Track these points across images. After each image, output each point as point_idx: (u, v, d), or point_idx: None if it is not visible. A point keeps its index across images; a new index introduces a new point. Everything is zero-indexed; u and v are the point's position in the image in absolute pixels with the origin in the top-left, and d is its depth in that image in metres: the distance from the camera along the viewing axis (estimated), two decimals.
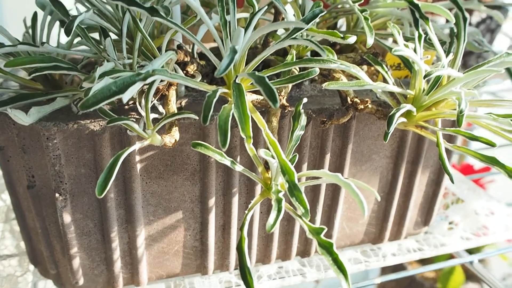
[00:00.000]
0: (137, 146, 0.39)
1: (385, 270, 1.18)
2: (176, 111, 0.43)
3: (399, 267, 1.10)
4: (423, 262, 1.09)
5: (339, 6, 0.53)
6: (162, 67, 0.37)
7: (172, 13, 0.48)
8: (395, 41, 0.51)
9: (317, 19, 0.39)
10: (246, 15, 0.52)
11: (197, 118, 0.40)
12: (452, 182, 0.42)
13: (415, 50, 0.45)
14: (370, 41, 0.44)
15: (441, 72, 0.41)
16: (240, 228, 0.37)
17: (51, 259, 0.49)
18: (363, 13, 0.46)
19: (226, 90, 0.38)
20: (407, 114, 0.45)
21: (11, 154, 0.46)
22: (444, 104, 0.46)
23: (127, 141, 0.43)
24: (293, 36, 0.39)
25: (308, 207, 0.35)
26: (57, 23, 0.47)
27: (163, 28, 0.50)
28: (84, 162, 0.44)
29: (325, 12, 0.53)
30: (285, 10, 0.46)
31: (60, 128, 0.42)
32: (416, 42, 0.45)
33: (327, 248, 0.35)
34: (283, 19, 0.49)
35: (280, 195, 0.36)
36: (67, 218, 0.45)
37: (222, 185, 0.48)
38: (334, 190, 0.53)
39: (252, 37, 0.37)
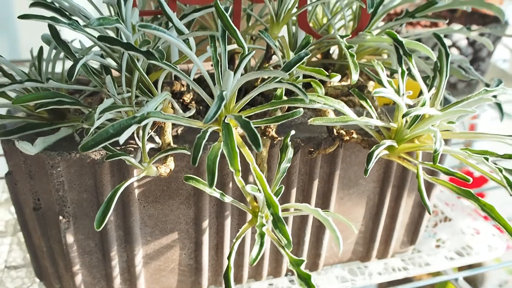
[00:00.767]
0: (133, 179, 0.42)
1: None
2: (171, 142, 0.46)
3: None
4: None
5: (330, 36, 0.55)
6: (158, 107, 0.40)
7: (171, 50, 0.51)
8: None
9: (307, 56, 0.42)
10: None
11: (189, 153, 0.43)
12: (429, 213, 0.45)
13: (398, 87, 0.47)
14: (354, 77, 0.46)
15: (418, 112, 0.43)
16: (228, 257, 0.40)
17: (55, 275, 0.53)
18: (349, 50, 0.48)
19: (216, 127, 0.41)
20: (390, 146, 0.48)
21: (19, 178, 0.49)
22: (426, 136, 0.48)
23: (126, 169, 0.46)
24: (278, 79, 0.42)
25: (291, 239, 0.38)
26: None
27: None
28: (85, 188, 0.47)
29: (316, 42, 0.56)
30: (275, 45, 0.49)
31: (63, 157, 0.45)
32: (399, 79, 0.48)
33: (306, 280, 0.38)
34: (273, 53, 0.52)
35: (264, 229, 0.39)
36: (70, 238, 0.49)
37: (215, 208, 0.51)
38: None
39: (239, 82, 0.40)
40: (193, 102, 0.54)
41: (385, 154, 0.48)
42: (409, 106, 0.49)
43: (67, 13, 0.46)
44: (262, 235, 0.38)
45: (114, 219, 0.49)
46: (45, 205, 0.48)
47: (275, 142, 0.48)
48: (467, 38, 1.04)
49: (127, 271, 0.52)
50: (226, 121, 0.40)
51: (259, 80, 0.55)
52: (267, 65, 0.53)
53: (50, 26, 0.43)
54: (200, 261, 0.54)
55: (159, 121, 0.39)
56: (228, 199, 0.43)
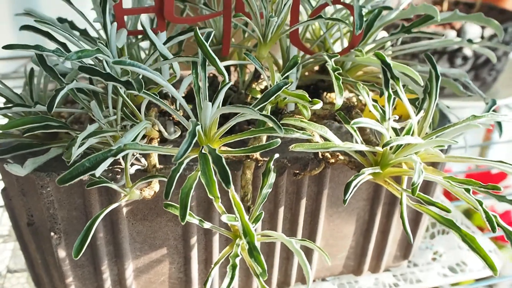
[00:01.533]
0: (115, 205, 0.43)
1: None
2: (157, 164, 0.47)
3: None
4: None
5: (319, 54, 0.55)
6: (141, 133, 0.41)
7: (162, 69, 0.52)
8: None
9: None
10: (233, 62, 0.54)
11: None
12: (411, 243, 0.45)
13: (383, 112, 0.47)
14: (338, 101, 0.46)
15: (398, 142, 0.43)
16: (204, 284, 0.41)
17: (51, 285, 0.55)
18: (335, 72, 0.48)
19: (195, 155, 0.42)
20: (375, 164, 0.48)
21: (13, 195, 0.51)
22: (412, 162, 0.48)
23: (113, 189, 0.47)
24: (262, 105, 0.42)
25: (266, 268, 0.39)
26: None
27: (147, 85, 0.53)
28: (75, 207, 0.48)
29: (307, 59, 0.55)
30: (261, 67, 0.49)
31: (52, 178, 0.46)
32: (385, 103, 0.47)
33: None
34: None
35: (237, 260, 0.40)
36: (61, 253, 0.50)
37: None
38: (310, 230, 0.56)
39: (217, 113, 0.41)
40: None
41: (370, 178, 0.48)
42: (396, 130, 0.48)
43: (61, 30, 0.47)
44: (234, 267, 0.39)
45: (104, 235, 0.50)
46: (38, 220, 0.50)
47: (259, 164, 0.48)
48: (482, 37, 1.02)
49: (118, 284, 0.54)
50: (203, 151, 0.40)
51: (249, 98, 0.55)
52: (255, 84, 0.53)
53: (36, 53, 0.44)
54: (189, 275, 0.55)
55: (136, 151, 0.40)
56: (207, 225, 0.44)
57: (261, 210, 0.45)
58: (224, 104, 0.58)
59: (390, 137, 0.44)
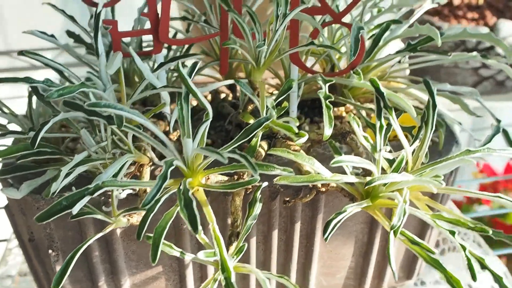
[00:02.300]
0: (100, 235, 0.44)
1: None
2: (147, 189, 0.48)
3: None
4: None
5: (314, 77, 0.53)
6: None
7: (159, 76, 0.52)
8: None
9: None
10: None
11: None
12: (395, 279, 0.44)
13: (375, 142, 0.46)
14: (327, 132, 0.45)
15: (382, 181, 0.42)
16: None
17: None
18: (327, 100, 0.47)
19: (174, 190, 0.42)
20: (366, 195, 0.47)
21: (14, 212, 0.53)
22: None
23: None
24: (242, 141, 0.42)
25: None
26: None
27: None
28: (70, 227, 0.50)
29: (308, 78, 0.54)
30: (252, 94, 0.48)
31: (47, 201, 0.48)
32: (377, 133, 0.46)
33: None
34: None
35: None
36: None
37: (197, 246, 0.53)
38: (306, 252, 0.56)
39: (195, 151, 0.41)
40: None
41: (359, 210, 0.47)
42: (389, 161, 0.47)
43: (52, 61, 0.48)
44: None
45: (99, 254, 0.52)
46: (38, 237, 0.52)
47: (248, 192, 0.48)
48: None
49: None
50: (181, 187, 0.40)
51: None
52: (250, 107, 0.53)
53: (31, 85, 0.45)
54: None
55: (114, 188, 0.40)
56: (189, 256, 0.44)
57: (244, 243, 0.45)
58: (224, 121, 0.59)
59: (374, 176, 0.43)
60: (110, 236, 0.50)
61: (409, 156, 0.47)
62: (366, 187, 0.42)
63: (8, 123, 0.49)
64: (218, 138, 0.58)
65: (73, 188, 0.47)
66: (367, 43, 0.58)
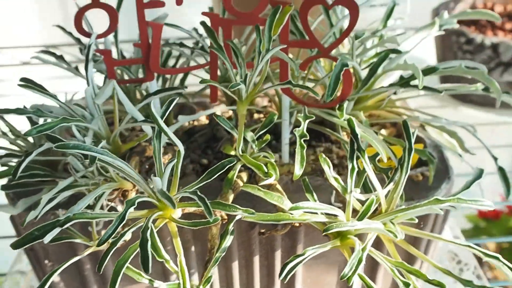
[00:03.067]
0: (78, 257, 0.47)
1: None
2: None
3: None
4: None
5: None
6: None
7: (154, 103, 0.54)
8: None
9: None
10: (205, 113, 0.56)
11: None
12: None
13: (346, 183, 0.46)
14: (297, 172, 0.46)
15: (339, 229, 0.42)
16: None
17: None
18: (301, 139, 0.47)
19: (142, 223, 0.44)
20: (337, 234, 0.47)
21: (16, 223, 0.57)
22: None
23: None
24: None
25: None
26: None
27: (125, 139, 0.56)
28: (61, 242, 0.54)
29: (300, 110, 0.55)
30: (231, 127, 0.50)
31: (41, 218, 0.52)
32: (348, 175, 0.46)
33: None
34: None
35: None
36: (56, 278, 0.56)
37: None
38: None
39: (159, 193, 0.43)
40: None
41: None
42: (361, 201, 0.47)
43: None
44: None
45: (90, 267, 0.56)
46: (37, 248, 0.56)
47: (223, 222, 0.50)
48: None
49: None
50: (143, 224, 0.42)
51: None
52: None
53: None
54: None
55: (84, 220, 0.43)
56: (157, 284, 0.47)
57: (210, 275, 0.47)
58: (216, 144, 0.61)
59: (331, 222, 0.43)
60: (100, 251, 0.54)
61: (382, 199, 0.47)
62: (323, 234, 0.43)
63: (11, 143, 0.53)
64: (215, 158, 0.60)
65: (60, 210, 0.51)
66: (365, 72, 0.58)
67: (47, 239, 0.41)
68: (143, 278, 0.46)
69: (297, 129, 0.48)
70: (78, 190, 0.48)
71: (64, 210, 0.50)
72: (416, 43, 0.60)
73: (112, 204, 0.51)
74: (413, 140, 0.47)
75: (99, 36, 0.52)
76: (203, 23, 0.52)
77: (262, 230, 0.51)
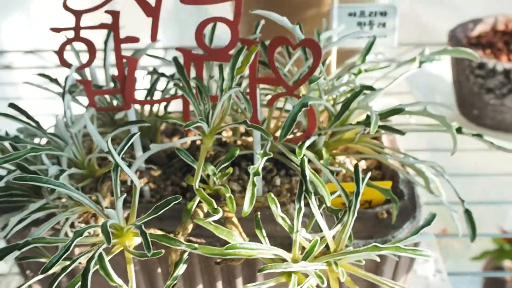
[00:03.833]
0: (35, 279, 0.51)
1: None
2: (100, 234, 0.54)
3: None
4: None
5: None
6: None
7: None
8: None
9: None
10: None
11: None
12: None
13: (292, 223, 0.48)
14: (246, 209, 0.48)
15: (272, 270, 0.44)
16: None
17: None
18: (254, 177, 0.49)
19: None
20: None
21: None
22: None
23: None
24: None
25: None
26: None
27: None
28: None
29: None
30: (193, 162, 0.52)
31: (18, 234, 0.56)
32: (295, 215, 0.48)
33: None
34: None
35: None
36: (36, 286, 0.61)
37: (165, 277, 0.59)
38: None
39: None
40: (149, 184, 0.60)
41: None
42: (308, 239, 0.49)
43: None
44: None
45: (67, 280, 0.60)
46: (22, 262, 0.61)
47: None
48: None
49: None
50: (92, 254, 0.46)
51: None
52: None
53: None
54: None
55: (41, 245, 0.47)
56: None
57: None
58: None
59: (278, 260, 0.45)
60: (77, 266, 0.58)
61: (329, 240, 0.48)
62: (259, 273, 0.45)
63: None
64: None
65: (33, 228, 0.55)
66: (338, 107, 0.59)
67: (7, 259, 0.45)
68: None
69: (252, 167, 0.50)
70: (49, 211, 0.52)
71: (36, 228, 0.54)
72: (395, 78, 0.60)
73: (82, 225, 0.55)
74: (362, 185, 0.48)
75: (79, 68, 0.55)
76: (175, 59, 0.55)
77: (218, 260, 0.53)
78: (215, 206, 0.48)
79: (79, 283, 0.44)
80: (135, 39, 0.54)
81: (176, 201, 0.48)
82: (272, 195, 0.48)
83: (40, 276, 0.50)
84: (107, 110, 0.60)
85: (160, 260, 0.57)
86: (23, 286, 0.49)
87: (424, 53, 0.61)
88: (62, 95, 0.53)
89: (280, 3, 0.89)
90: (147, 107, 0.68)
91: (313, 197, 0.48)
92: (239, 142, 0.68)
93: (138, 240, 0.50)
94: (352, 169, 0.64)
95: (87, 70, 0.62)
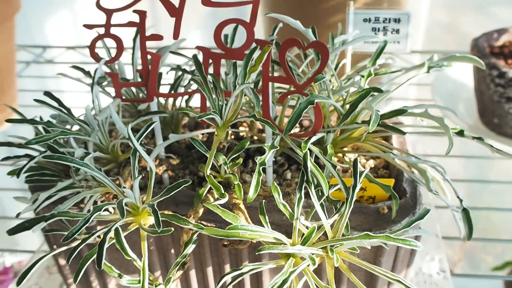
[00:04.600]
0: (60, 249, 0.56)
1: None
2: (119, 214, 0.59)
3: None
4: None
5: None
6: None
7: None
8: None
9: None
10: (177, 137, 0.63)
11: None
12: None
13: (292, 210, 0.51)
14: (251, 195, 0.52)
15: (270, 251, 0.48)
16: None
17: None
18: (260, 167, 0.53)
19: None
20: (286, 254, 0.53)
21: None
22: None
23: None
24: None
25: None
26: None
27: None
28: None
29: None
30: (205, 152, 0.56)
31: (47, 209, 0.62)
32: (295, 204, 0.51)
33: None
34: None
35: None
36: (61, 261, 0.67)
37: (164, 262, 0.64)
38: (258, 286, 0.63)
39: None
40: (168, 171, 0.65)
41: None
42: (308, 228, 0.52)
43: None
44: None
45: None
46: (49, 236, 0.67)
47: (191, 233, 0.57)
48: None
49: None
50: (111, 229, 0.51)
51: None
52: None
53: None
54: None
55: (65, 218, 0.52)
56: (124, 280, 0.55)
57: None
58: None
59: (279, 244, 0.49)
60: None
61: (327, 228, 0.52)
62: (257, 253, 0.49)
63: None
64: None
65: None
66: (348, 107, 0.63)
67: (34, 230, 0.50)
68: (113, 272, 0.55)
69: (259, 157, 0.54)
70: (75, 190, 0.58)
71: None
72: (401, 84, 0.63)
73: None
74: (359, 178, 0.51)
75: (107, 62, 0.61)
76: (194, 57, 0.59)
77: (225, 243, 0.57)
78: (223, 191, 0.52)
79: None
80: (159, 37, 0.59)
81: (187, 184, 0.52)
82: (276, 184, 0.52)
83: (64, 248, 0.56)
84: (131, 102, 0.65)
85: (174, 242, 0.61)
86: (48, 255, 0.54)
87: (433, 59, 0.64)
88: (91, 86, 0.59)
89: (304, 12, 0.94)
90: (170, 102, 0.73)
91: (313, 187, 0.51)
92: (255, 137, 0.72)
93: (152, 220, 0.55)
94: (362, 168, 0.68)
95: (116, 65, 0.67)
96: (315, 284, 0.49)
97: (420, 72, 0.64)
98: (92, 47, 0.60)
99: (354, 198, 0.51)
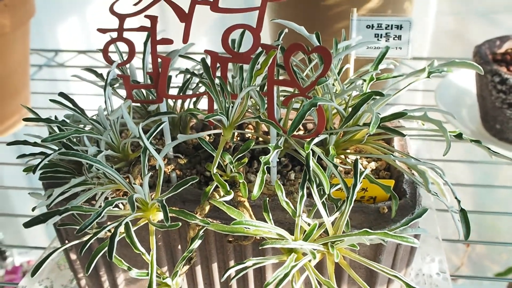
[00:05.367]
0: (72, 243, 0.59)
1: None
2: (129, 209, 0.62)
3: None
4: None
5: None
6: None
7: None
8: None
9: None
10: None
11: None
12: None
13: (295, 208, 0.54)
14: (255, 193, 0.54)
15: (272, 246, 0.50)
16: None
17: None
18: (265, 166, 0.56)
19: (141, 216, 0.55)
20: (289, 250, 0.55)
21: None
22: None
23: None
24: None
25: None
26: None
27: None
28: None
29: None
30: (212, 151, 0.59)
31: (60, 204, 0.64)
32: (298, 202, 0.54)
33: None
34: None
35: None
36: (73, 256, 0.69)
37: (171, 257, 0.66)
38: (262, 283, 0.65)
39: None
40: (176, 171, 0.68)
41: None
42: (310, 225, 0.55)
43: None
44: None
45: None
46: (61, 231, 0.69)
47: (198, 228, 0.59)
48: None
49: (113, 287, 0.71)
50: (122, 223, 0.53)
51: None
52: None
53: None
54: None
55: (78, 212, 0.55)
56: (133, 272, 0.57)
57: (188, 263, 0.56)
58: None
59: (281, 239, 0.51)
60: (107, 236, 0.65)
61: (328, 225, 0.54)
62: (260, 248, 0.51)
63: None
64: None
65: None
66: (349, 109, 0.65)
67: (49, 223, 0.53)
68: (122, 265, 0.57)
69: (264, 157, 0.57)
70: (87, 187, 0.60)
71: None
72: (402, 88, 0.65)
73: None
74: (359, 178, 0.54)
75: (120, 64, 0.63)
76: (202, 60, 0.62)
77: (230, 239, 0.60)
78: (228, 188, 0.55)
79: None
80: (169, 41, 0.62)
81: (194, 181, 0.55)
82: (279, 182, 0.55)
83: (76, 242, 0.59)
84: (142, 103, 0.68)
85: (181, 238, 0.64)
86: (61, 248, 0.57)
87: (433, 65, 0.66)
88: (104, 87, 0.61)
89: (309, 18, 0.96)
90: (179, 104, 0.75)
91: (315, 186, 0.54)
92: (260, 139, 0.75)
93: (161, 215, 0.57)
94: (363, 169, 0.70)
95: (128, 68, 0.70)
96: (316, 279, 0.51)
97: (420, 77, 0.66)
98: (105, 50, 0.63)
99: (355, 197, 0.53)
